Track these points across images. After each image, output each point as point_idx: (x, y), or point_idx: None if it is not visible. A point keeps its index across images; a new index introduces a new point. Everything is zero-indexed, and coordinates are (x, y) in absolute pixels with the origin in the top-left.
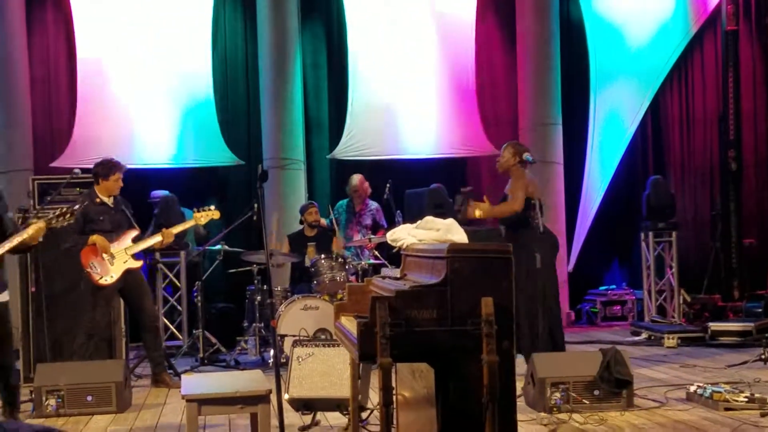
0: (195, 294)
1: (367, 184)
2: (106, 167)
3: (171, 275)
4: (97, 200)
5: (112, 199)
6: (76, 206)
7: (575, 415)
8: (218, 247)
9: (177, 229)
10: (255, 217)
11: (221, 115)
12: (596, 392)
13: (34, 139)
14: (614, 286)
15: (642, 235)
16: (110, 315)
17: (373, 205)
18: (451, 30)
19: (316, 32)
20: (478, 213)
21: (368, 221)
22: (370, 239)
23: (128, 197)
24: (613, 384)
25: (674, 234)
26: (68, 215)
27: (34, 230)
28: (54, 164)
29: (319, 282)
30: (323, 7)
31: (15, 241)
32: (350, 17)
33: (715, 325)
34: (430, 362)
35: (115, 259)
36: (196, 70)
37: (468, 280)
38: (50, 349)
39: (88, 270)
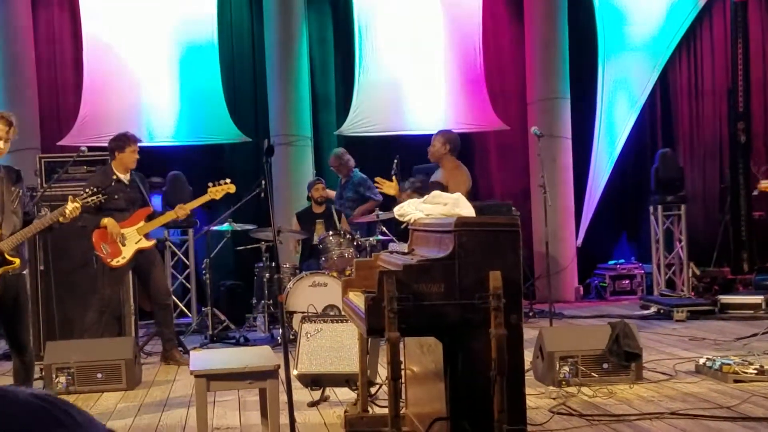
0: (203, 271)
1: (345, 158)
2: (121, 140)
3: (180, 253)
4: (114, 177)
5: (128, 175)
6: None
7: (584, 389)
8: (226, 225)
9: (192, 204)
10: (263, 194)
11: (228, 92)
12: (605, 365)
13: (41, 117)
14: (623, 261)
15: (651, 209)
16: (120, 293)
17: (356, 177)
18: (457, 4)
19: (323, 8)
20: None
21: (350, 194)
22: (378, 216)
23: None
24: (622, 357)
25: (683, 207)
26: (101, 195)
27: (69, 211)
28: (61, 143)
29: (327, 258)
30: None
31: (51, 220)
32: None
33: (724, 298)
34: (438, 336)
35: (127, 240)
36: (202, 47)
37: (475, 253)
38: (60, 327)
39: (100, 253)
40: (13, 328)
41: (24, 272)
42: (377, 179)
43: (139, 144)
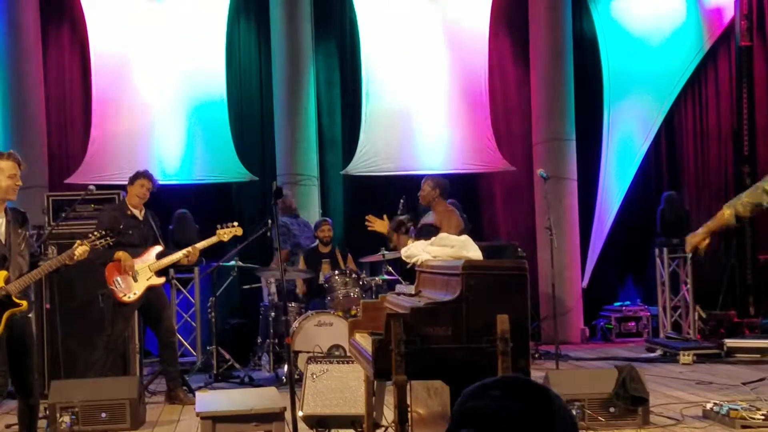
0: (209, 309)
1: (288, 201)
2: (134, 174)
3: (185, 291)
4: (128, 212)
5: (142, 212)
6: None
7: None
8: (232, 262)
9: (201, 245)
10: (269, 233)
11: (235, 131)
12: (612, 409)
13: (49, 155)
14: (629, 302)
15: (657, 251)
16: (126, 332)
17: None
18: (464, 45)
19: (330, 49)
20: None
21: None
22: (383, 255)
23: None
24: (629, 401)
25: None
26: (109, 237)
27: (78, 253)
28: (68, 180)
29: (332, 298)
30: (337, 24)
31: (59, 263)
32: (363, 35)
33: (731, 342)
34: (445, 380)
35: (139, 276)
36: (210, 87)
37: (483, 297)
38: (65, 365)
39: (113, 287)
40: (20, 371)
41: (30, 314)
42: (368, 217)
43: (154, 182)
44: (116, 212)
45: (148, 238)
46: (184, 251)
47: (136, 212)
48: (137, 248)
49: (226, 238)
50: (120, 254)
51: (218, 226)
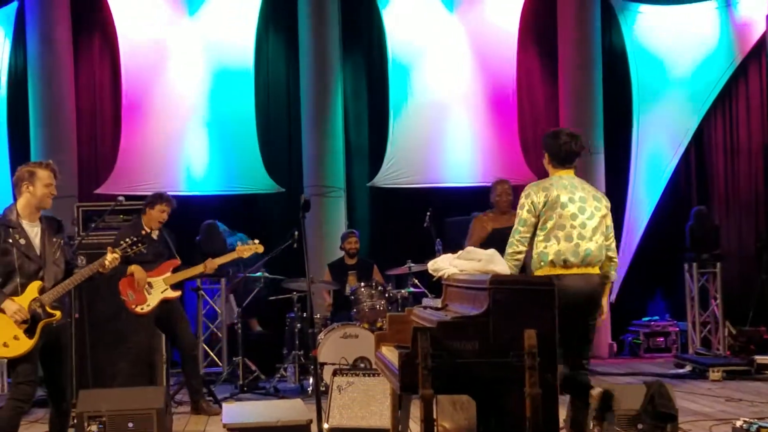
0: (235, 320)
1: None
2: (153, 198)
3: (211, 302)
4: (143, 231)
5: (157, 231)
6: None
7: None
8: (259, 273)
9: (220, 260)
10: (295, 245)
11: (262, 143)
12: (640, 426)
13: (79, 165)
14: (657, 318)
15: (686, 266)
16: (151, 342)
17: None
18: (492, 57)
19: (358, 61)
20: None
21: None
22: (410, 268)
23: (171, 223)
24: (657, 418)
25: (719, 265)
26: (140, 244)
27: (109, 261)
28: (98, 191)
29: (358, 310)
30: (365, 36)
31: (91, 271)
32: (391, 47)
33: (761, 358)
34: (471, 394)
35: (153, 289)
36: (238, 98)
37: (510, 311)
38: (93, 374)
39: (125, 298)
40: (55, 376)
41: (67, 320)
42: None
43: (173, 204)
44: (131, 230)
45: (162, 254)
46: (200, 266)
47: (150, 231)
48: (151, 264)
49: (245, 254)
50: (133, 268)
51: (239, 243)
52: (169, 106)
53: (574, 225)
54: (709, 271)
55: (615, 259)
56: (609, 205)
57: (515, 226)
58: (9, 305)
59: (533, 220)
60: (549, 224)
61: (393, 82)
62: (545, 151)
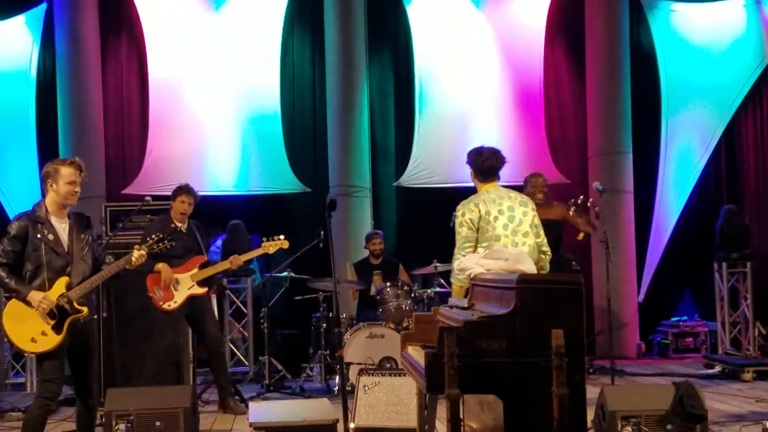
0: (261, 320)
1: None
2: (175, 189)
3: (238, 301)
4: (172, 225)
5: (185, 224)
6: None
7: None
8: (284, 273)
9: (246, 256)
10: (321, 245)
11: (288, 143)
12: (669, 427)
13: (107, 166)
14: (686, 318)
15: (715, 266)
16: (178, 340)
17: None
18: (518, 55)
19: (384, 61)
20: None
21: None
22: (436, 267)
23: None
24: (686, 418)
25: (749, 264)
26: (167, 241)
27: (136, 258)
28: (125, 191)
29: (384, 310)
30: (391, 35)
31: (118, 268)
32: (417, 46)
33: None
34: (498, 394)
35: (180, 285)
36: (264, 97)
37: (538, 311)
38: (120, 373)
39: (153, 296)
40: (82, 374)
41: (95, 317)
42: None
43: (195, 195)
44: (161, 224)
45: (192, 248)
46: (226, 261)
47: (180, 225)
48: (180, 259)
49: (271, 250)
50: (160, 266)
51: (264, 239)
52: (196, 107)
53: (507, 234)
54: (739, 270)
55: (548, 253)
56: (534, 206)
57: (459, 244)
58: (34, 295)
59: (475, 235)
60: (486, 236)
61: (419, 81)
62: (471, 168)
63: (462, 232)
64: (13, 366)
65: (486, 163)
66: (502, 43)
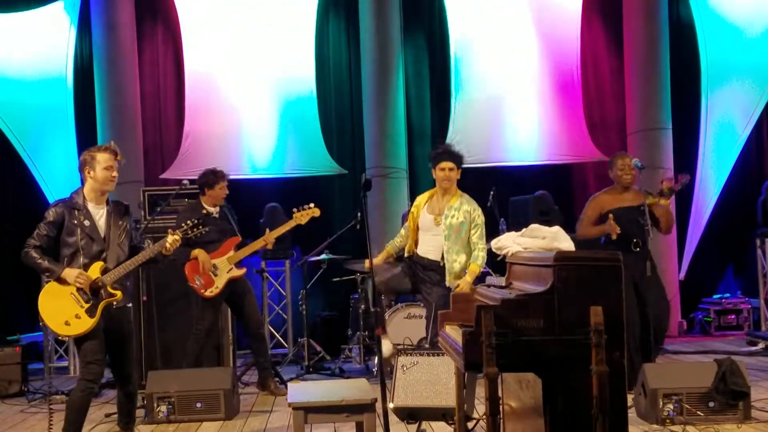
0: (300, 302)
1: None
2: (211, 177)
3: (276, 284)
4: (204, 211)
5: (217, 208)
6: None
7: (689, 428)
8: (323, 255)
9: (279, 230)
10: (358, 226)
11: (325, 125)
12: (711, 404)
13: (144, 151)
14: (728, 295)
15: (758, 242)
16: (218, 323)
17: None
18: (555, 32)
19: (419, 42)
20: None
21: None
22: None
23: (237, 207)
24: (729, 396)
25: None
26: (201, 226)
27: (170, 243)
28: (163, 176)
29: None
30: (426, 18)
31: (153, 253)
32: (453, 26)
33: None
34: (537, 372)
35: (219, 270)
36: (300, 81)
37: (576, 288)
38: (161, 356)
39: (194, 285)
40: (118, 360)
41: (129, 305)
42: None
43: (228, 178)
44: (191, 212)
45: (226, 231)
46: (260, 240)
47: (211, 209)
48: (215, 244)
49: (303, 220)
50: (196, 252)
51: (294, 210)
52: (232, 91)
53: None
54: None
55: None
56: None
57: (483, 237)
58: (69, 272)
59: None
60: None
61: (455, 62)
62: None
63: (483, 226)
64: (56, 350)
65: None
66: (538, 22)
